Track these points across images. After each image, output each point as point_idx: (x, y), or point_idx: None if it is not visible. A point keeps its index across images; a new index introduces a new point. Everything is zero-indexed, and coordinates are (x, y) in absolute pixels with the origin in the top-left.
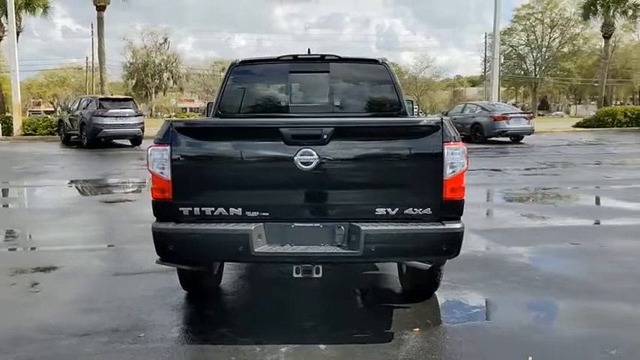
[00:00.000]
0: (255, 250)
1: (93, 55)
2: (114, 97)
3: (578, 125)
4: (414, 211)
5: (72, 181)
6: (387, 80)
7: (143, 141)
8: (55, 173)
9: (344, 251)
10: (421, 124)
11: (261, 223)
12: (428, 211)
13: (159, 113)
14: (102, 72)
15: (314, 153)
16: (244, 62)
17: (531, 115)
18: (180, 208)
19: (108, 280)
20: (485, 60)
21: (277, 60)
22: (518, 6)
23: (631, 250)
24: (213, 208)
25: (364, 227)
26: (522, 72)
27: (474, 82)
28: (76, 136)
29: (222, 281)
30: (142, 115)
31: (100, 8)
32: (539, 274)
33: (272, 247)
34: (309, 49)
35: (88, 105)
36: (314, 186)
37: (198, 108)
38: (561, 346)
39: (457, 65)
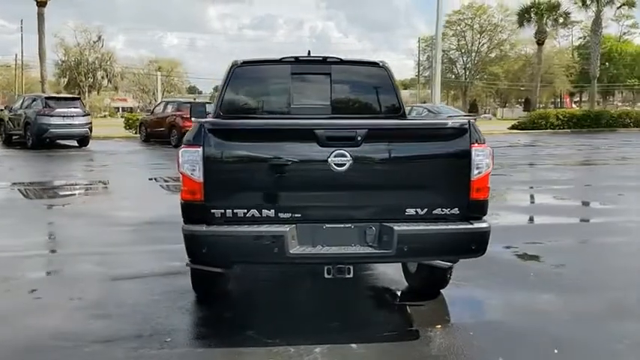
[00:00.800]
0: (290, 252)
1: (22, 52)
2: (60, 95)
3: (513, 127)
4: (442, 211)
5: (16, 184)
6: (387, 83)
7: (90, 141)
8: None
9: (377, 251)
10: (450, 126)
11: (294, 225)
12: (455, 211)
13: (93, 113)
14: (42, 70)
15: (347, 154)
16: (246, 62)
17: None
18: (212, 210)
19: (107, 285)
20: (418, 63)
21: (279, 61)
22: (450, 12)
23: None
24: (245, 210)
25: (397, 227)
26: (453, 76)
27: (405, 86)
28: (18, 137)
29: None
30: (89, 114)
31: (41, 4)
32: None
33: (304, 248)
34: (309, 51)
35: (32, 104)
36: (346, 187)
37: (131, 108)
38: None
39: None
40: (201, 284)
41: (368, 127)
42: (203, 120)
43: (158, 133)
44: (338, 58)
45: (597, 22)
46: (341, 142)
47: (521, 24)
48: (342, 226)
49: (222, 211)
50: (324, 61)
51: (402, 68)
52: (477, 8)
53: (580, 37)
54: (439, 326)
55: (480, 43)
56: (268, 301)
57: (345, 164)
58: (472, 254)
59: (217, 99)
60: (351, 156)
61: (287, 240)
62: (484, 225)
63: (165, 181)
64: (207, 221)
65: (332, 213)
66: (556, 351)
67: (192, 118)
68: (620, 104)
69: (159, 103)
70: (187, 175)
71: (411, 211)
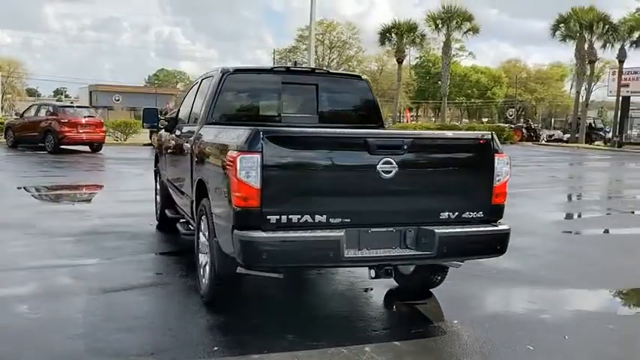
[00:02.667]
0: (345, 255)
1: None
2: None
3: None
4: (470, 214)
5: None
6: (368, 95)
7: None
8: None
9: (419, 252)
10: (478, 137)
11: (344, 229)
12: (480, 214)
13: None
14: None
15: (393, 162)
16: (237, 71)
17: None
18: (268, 216)
19: (104, 298)
20: None
21: (271, 70)
22: (302, 26)
23: None
24: (299, 216)
25: (438, 230)
26: None
27: None
28: None
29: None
30: None
31: None
32: None
33: (354, 251)
34: (295, 62)
35: None
36: (390, 193)
37: None
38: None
39: None
40: (222, 288)
41: (412, 137)
42: (261, 128)
43: (29, 138)
44: (325, 70)
45: (447, 45)
46: (389, 151)
47: (382, 42)
48: (385, 229)
49: (278, 217)
50: (313, 72)
51: None
52: (327, 25)
53: (417, 57)
54: (455, 321)
55: (330, 58)
56: (284, 305)
57: (391, 171)
58: (497, 254)
59: (208, 105)
60: (396, 163)
61: (342, 244)
62: (507, 227)
63: (38, 190)
64: (261, 227)
65: (376, 217)
66: (566, 337)
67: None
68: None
69: (30, 106)
70: (244, 181)
71: (444, 215)
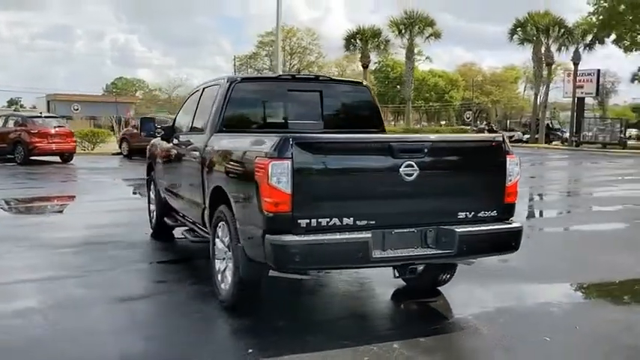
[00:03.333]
0: (373, 256)
1: None
2: None
3: None
4: (485, 213)
5: None
6: (370, 100)
7: None
8: None
9: (440, 251)
10: (491, 140)
11: (371, 231)
12: (494, 213)
13: None
14: None
15: (415, 165)
16: (245, 79)
17: None
18: (299, 221)
19: (123, 306)
20: None
21: (277, 78)
22: (263, 32)
23: None
24: (328, 219)
25: (458, 229)
26: None
27: None
28: None
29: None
30: None
31: None
32: None
33: (378, 251)
34: (299, 69)
35: None
36: (412, 195)
37: None
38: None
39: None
40: (244, 293)
41: (431, 140)
42: (290, 135)
43: None
44: (328, 77)
45: (410, 50)
46: (410, 154)
47: (347, 48)
48: (407, 230)
49: (307, 220)
50: (317, 79)
51: None
52: (288, 31)
53: (375, 62)
54: (470, 317)
55: (291, 64)
56: (301, 307)
57: (413, 174)
58: (511, 250)
59: (217, 113)
60: (417, 166)
61: (370, 245)
62: (519, 224)
63: (18, 202)
64: (293, 231)
65: (399, 219)
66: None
67: (146, 133)
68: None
69: None
70: (275, 187)
71: (462, 215)
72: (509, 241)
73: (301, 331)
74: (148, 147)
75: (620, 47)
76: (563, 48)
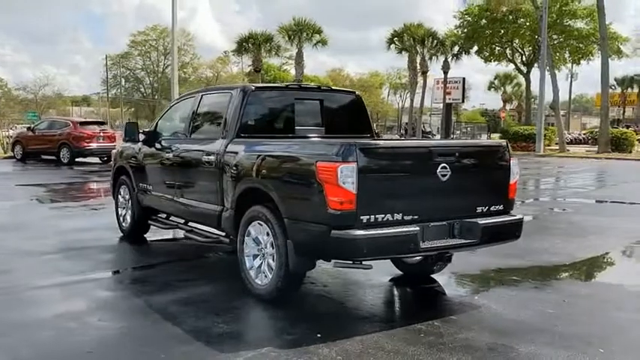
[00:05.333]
0: (421, 246)
1: None
2: None
3: None
4: (494, 207)
5: None
6: (363, 109)
7: None
8: None
9: (466, 241)
10: (500, 145)
11: (417, 225)
12: (501, 207)
13: None
14: None
15: (448, 167)
16: (258, 88)
17: None
18: (361, 217)
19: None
20: (107, 80)
21: (286, 88)
22: (135, 32)
23: None
24: (382, 215)
25: (481, 221)
26: (141, 95)
27: (76, 101)
28: None
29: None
30: None
31: None
32: None
33: (422, 242)
34: (300, 80)
35: None
36: (445, 193)
37: None
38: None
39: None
40: (287, 287)
41: (460, 146)
42: (355, 141)
43: None
44: (328, 87)
45: (300, 55)
46: (445, 158)
47: (239, 52)
48: (440, 224)
49: (368, 217)
50: (319, 88)
51: (66, 84)
52: (161, 31)
53: (249, 65)
54: (477, 297)
55: (164, 64)
56: (329, 298)
57: (446, 175)
58: (516, 238)
59: (233, 121)
60: (450, 168)
61: (419, 237)
62: (522, 216)
63: None
64: (355, 226)
65: (434, 214)
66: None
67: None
68: None
69: None
70: (343, 187)
71: (479, 209)
72: (516, 231)
73: (345, 318)
74: (117, 151)
75: (481, 58)
76: (434, 58)
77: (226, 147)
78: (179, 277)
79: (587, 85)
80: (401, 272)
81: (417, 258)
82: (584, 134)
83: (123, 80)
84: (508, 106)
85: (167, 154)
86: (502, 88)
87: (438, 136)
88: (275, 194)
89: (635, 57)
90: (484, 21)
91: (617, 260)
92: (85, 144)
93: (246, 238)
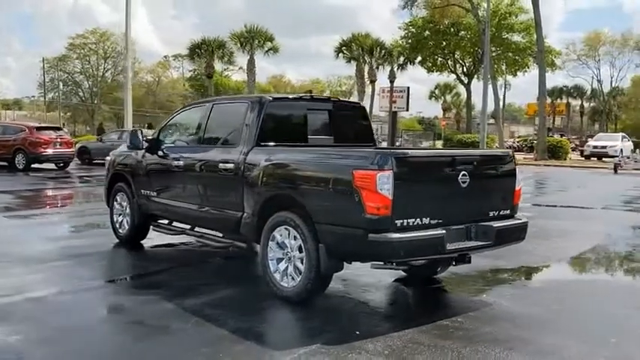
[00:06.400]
0: (447, 248)
1: None
2: None
3: None
4: (503, 212)
5: None
6: (366, 118)
7: None
8: None
9: (482, 243)
10: (509, 154)
11: (442, 228)
12: (508, 212)
13: None
14: None
15: (467, 174)
16: (275, 99)
17: None
18: (396, 221)
19: (205, 309)
20: (44, 84)
21: (300, 98)
22: (73, 35)
23: None
24: (413, 219)
25: (495, 225)
26: (79, 99)
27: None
28: None
29: None
30: None
31: None
32: None
33: (447, 244)
34: (310, 90)
35: None
36: (464, 198)
37: None
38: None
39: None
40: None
41: (477, 155)
42: (391, 151)
43: None
44: (336, 98)
45: (252, 62)
46: (465, 166)
47: (192, 58)
48: (459, 227)
49: (401, 221)
50: (328, 100)
51: None
52: (102, 34)
53: (190, 70)
54: (484, 295)
55: (104, 68)
56: (350, 299)
57: (466, 181)
58: (521, 240)
59: (252, 130)
60: (469, 175)
61: (445, 240)
62: (526, 220)
63: None
64: (390, 230)
65: (454, 218)
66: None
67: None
68: None
69: None
70: (381, 193)
71: (491, 213)
72: (522, 233)
73: (374, 317)
74: (111, 159)
75: (424, 68)
76: (381, 67)
77: (247, 155)
78: (197, 282)
79: (514, 95)
80: (405, 274)
81: (421, 261)
82: (517, 142)
83: (61, 84)
84: (447, 114)
85: (176, 162)
86: (442, 97)
87: (385, 144)
88: (306, 200)
89: (564, 69)
90: (427, 32)
91: (592, 259)
92: (42, 150)
93: (270, 242)
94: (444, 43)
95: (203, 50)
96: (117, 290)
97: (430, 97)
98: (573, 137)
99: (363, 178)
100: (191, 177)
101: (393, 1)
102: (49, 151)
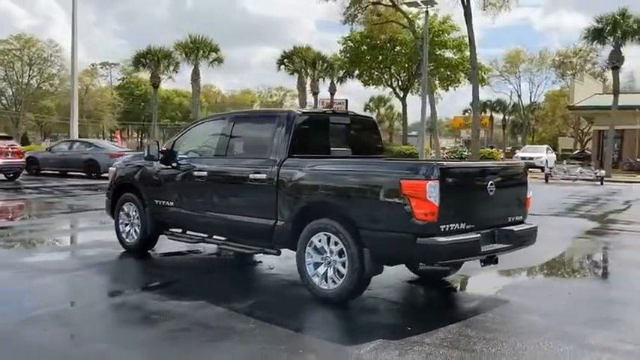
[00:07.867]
0: (482, 250)
1: None
2: None
3: None
4: (517, 218)
5: None
6: (377, 131)
7: None
8: None
9: (505, 245)
10: (522, 165)
11: (476, 232)
12: (520, 217)
13: None
14: None
15: (494, 184)
16: (304, 113)
17: None
18: (440, 226)
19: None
20: None
21: (324, 113)
22: None
23: None
24: (453, 224)
25: (516, 229)
26: (2, 107)
27: None
28: None
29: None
30: None
31: None
32: None
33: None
34: (332, 103)
35: None
36: (491, 205)
37: None
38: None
39: None
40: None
41: (502, 166)
42: (432, 162)
43: None
44: (353, 113)
45: (196, 72)
46: (492, 176)
47: (137, 67)
48: (486, 231)
49: (445, 226)
50: (347, 114)
51: None
52: (26, 41)
53: (119, 79)
54: (499, 294)
55: (30, 75)
56: (377, 299)
57: (493, 190)
58: (533, 243)
59: (284, 141)
60: (495, 185)
61: (480, 242)
62: (537, 225)
63: None
64: (436, 234)
65: (482, 223)
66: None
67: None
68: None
69: None
70: (429, 201)
71: (510, 219)
72: (534, 237)
73: (412, 313)
74: (115, 169)
75: (361, 82)
76: (321, 79)
77: (280, 165)
78: (228, 287)
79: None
80: (417, 276)
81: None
82: (445, 153)
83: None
84: (381, 126)
85: (198, 172)
86: (376, 109)
87: None
88: (349, 207)
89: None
90: (365, 47)
91: (575, 259)
92: None
93: (308, 248)
94: (381, 57)
95: (148, 60)
96: (154, 297)
97: (365, 109)
98: (500, 150)
99: (412, 187)
100: (216, 187)
101: (318, 14)
102: (0, 161)
